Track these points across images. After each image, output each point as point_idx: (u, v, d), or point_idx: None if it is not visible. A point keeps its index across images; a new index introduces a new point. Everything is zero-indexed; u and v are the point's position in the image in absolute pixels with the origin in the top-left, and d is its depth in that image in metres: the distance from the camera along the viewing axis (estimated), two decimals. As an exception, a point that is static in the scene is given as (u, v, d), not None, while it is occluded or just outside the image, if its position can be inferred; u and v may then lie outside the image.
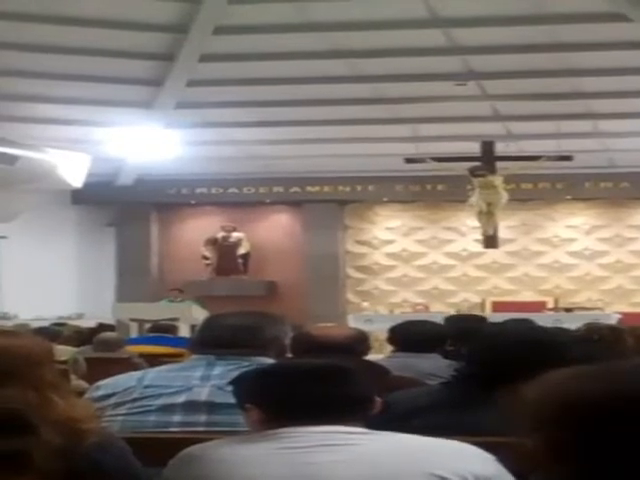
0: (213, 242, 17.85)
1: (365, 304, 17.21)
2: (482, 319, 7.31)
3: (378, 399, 2.38)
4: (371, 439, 2.22)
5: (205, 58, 13.47)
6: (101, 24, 12.61)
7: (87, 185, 15.04)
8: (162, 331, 9.92)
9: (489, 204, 15.02)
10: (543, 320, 8.86)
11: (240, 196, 17.73)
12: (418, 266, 17.78)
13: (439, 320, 6.28)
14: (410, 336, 5.06)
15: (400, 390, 3.18)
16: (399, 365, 4.56)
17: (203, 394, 3.15)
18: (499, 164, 15.00)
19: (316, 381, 2.29)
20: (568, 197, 17.26)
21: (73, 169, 14.55)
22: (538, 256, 17.53)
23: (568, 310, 15.72)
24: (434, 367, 4.64)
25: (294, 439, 2.22)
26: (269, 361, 3.19)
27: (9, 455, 2.09)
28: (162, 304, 15.48)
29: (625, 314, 14.64)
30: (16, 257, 16.23)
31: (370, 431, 2.26)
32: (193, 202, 18.04)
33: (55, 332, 8.87)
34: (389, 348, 5.53)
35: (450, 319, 6.99)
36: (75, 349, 8.36)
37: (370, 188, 17.41)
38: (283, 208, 18.08)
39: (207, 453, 2.32)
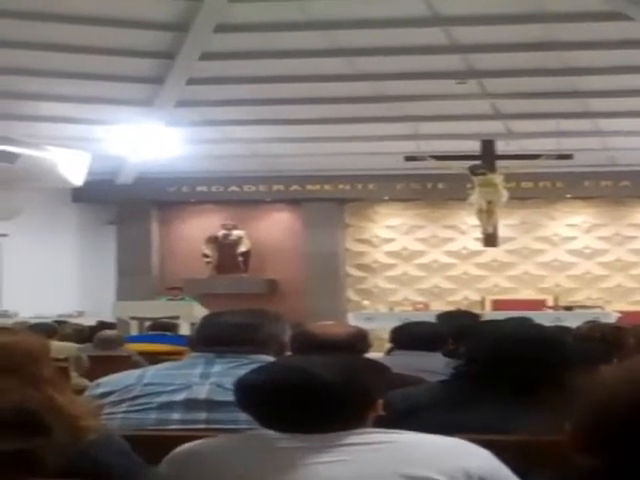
0: (213, 240, 17.84)
1: (365, 302, 17.20)
2: (476, 316, 7.32)
3: (379, 402, 2.35)
4: (354, 440, 2.19)
5: (206, 56, 13.47)
6: (102, 22, 12.62)
7: (88, 183, 15.04)
8: (162, 329, 9.94)
9: (489, 202, 15.04)
10: (543, 318, 8.84)
11: (240, 194, 17.72)
12: (418, 264, 17.77)
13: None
14: (412, 337, 5.07)
15: (399, 388, 3.17)
16: (399, 363, 4.55)
17: (203, 392, 3.16)
18: (499, 162, 15.02)
19: (305, 394, 2.23)
20: (568, 195, 17.25)
21: (74, 167, 14.56)
22: (538, 254, 17.52)
23: (568, 308, 15.71)
24: (435, 365, 4.63)
25: (279, 441, 2.21)
26: (269, 359, 3.19)
27: (21, 455, 2.09)
28: (161, 302, 15.47)
29: (625, 313, 14.65)
30: (17, 255, 16.22)
31: (355, 431, 2.22)
32: (193, 200, 18.03)
33: (51, 328, 8.85)
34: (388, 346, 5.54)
35: (443, 316, 6.99)
36: (76, 346, 8.37)
37: (370, 186, 17.40)
38: (283, 206, 18.07)
39: (197, 452, 2.31)
